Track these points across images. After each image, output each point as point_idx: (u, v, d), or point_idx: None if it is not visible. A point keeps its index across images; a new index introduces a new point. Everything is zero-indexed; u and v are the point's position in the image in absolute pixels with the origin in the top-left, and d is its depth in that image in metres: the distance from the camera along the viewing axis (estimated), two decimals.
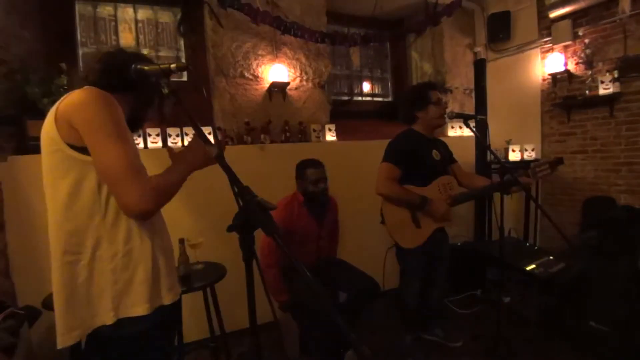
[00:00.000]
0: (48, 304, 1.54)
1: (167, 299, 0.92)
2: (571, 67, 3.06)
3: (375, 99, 3.85)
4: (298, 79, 2.87)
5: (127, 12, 2.65)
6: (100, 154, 0.79)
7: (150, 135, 2.28)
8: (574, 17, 2.96)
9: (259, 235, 0.72)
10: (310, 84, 2.93)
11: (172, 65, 0.79)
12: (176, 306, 0.99)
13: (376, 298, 2.06)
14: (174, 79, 0.85)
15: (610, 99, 2.79)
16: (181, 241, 1.82)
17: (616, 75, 2.73)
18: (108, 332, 0.85)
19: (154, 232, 0.92)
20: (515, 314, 2.43)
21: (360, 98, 3.74)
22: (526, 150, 3.24)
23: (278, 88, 2.76)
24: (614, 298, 1.97)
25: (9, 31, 2.02)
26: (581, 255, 2.37)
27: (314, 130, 2.80)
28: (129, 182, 0.79)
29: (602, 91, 2.79)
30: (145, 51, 2.70)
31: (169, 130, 2.32)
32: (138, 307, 0.86)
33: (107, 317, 0.84)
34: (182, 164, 0.93)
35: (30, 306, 1.79)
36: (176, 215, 2.23)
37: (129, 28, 2.65)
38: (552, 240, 3.19)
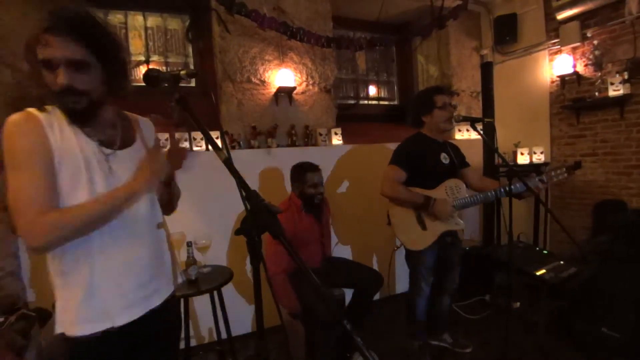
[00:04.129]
0: None
1: (117, 320, 0.87)
2: (580, 68, 3.03)
3: (381, 102, 3.85)
4: (304, 84, 2.89)
5: (137, 20, 2.71)
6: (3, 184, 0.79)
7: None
8: (582, 19, 2.93)
9: (266, 241, 0.72)
10: (316, 89, 2.95)
11: (182, 72, 0.81)
12: (143, 323, 0.92)
13: (380, 287, 2.12)
14: (182, 84, 0.86)
15: (620, 101, 2.76)
16: (189, 244, 1.83)
17: (626, 77, 2.69)
18: (63, 340, 0.86)
19: (102, 252, 0.85)
20: (525, 320, 2.39)
21: (366, 102, 3.75)
22: (535, 153, 3.21)
23: (284, 93, 2.78)
24: (626, 304, 1.92)
25: (22, 39, 2.07)
26: (592, 260, 2.32)
27: (320, 134, 2.82)
28: (17, 216, 0.76)
29: (611, 93, 2.76)
30: (154, 57, 2.75)
31: (178, 135, 2.36)
32: (71, 327, 0.84)
33: (56, 328, 0.86)
34: (125, 187, 0.83)
35: (41, 308, 1.82)
36: (184, 218, 2.25)
37: (138, 35, 2.70)
38: (562, 244, 3.14)
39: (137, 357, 0.93)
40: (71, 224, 0.77)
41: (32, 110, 0.83)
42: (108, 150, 0.88)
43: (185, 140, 2.36)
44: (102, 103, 0.88)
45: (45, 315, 1.80)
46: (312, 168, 2.08)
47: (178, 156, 0.99)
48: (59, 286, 0.86)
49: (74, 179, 0.82)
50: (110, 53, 0.83)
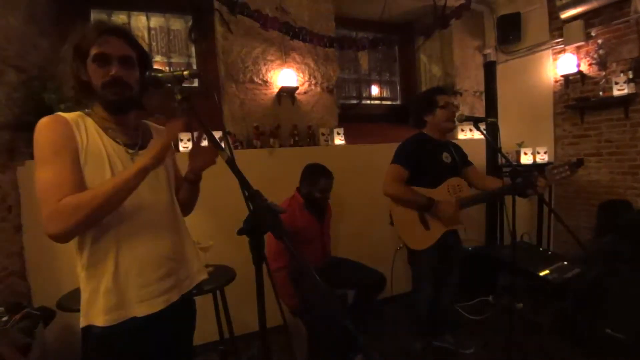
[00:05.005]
0: (62, 304, 1.57)
1: (139, 311, 0.91)
2: (584, 68, 3.01)
3: (384, 102, 3.85)
4: (307, 84, 2.89)
5: (140, 20, 2.72)
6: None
7: (182, 140, 2.37)
8: (586, 18, 2.91)
9: (268, 239, 0.72)
10: (318, 88, 2.95)
11: (185, 72, 0.81)
12: (164, 316, 0.95)
13: (383, 289, 2.11)
14: (185, 84, 0.87)
15: (624, 100, 2.73)
16: None
17: (631, 76, 2.67)
18: (85, 334, 0.91)
19: (125, 243, 0.91)
20: (528, 321, 2.38)
21: (368, 102, 3.75)
22: (538, 153, 3.19)
23: (287, 93, 2.78)
24: (630, 304, 1.91)
25: (27, 40, 2.09)
26: (596, 261, 2.31)
27: (323, 134, 2.82)
28: (41, 206, 0.81)
29: (616, 92, 2.74)
30: (157, 58, 2.76)
31: (180, 135, 2.37)
32: (98, 317, 0.88)
33: (81, 321, 0.91)
34: (135, 163, 0.87)
35: (45, 307, 1.83)
36: (187, 218, 2.26)
37: (141, 35, 2.71)
38: (566, 245, 3.12)
39: (156, 349, 0.97)
40: (88, 205, 0.80)
41: (60, 113, 0.91)
42: (131, 151, 0.96)
43: (189, 140, 2.38)
44: (135, 102, 0.97)
45: (50, 314, 1.81)
46: (327, 175, 2.09)
47: (209, 153, 1.02)
48: (85, 279, 0.91)
49: (97, 176, 0.88)
50: (146, 60, 0.99)
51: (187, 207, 1.16)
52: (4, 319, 1.61)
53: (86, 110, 0.96)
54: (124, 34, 0.92)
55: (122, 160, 0.93)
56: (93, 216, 0.82)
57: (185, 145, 2.38)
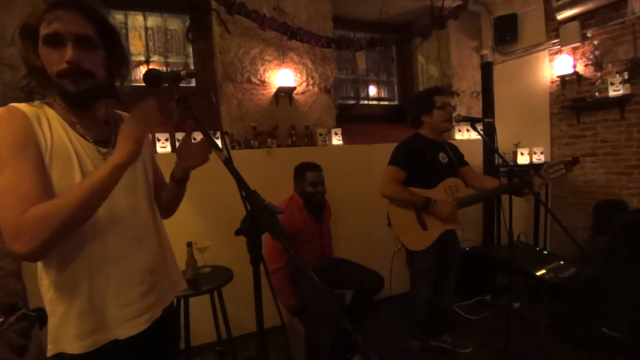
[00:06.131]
0: None
1: (122, 332, 0.81)
2: (580, 69, 3.03)
3: (382, 102, 3.85)
4: (304, 84, 2.89)
5: (137, 20, 2.71)
6: None
7: (159, 140, 2.32)
8: (582, 19, 2.93)
9: (265, 239, 0.72)
10: (316, 89, 2.95)
11: (182, 72, 0.80)
12: (146, 334, 0.85)
13: (381, 290, 2.11)
14: (182, 84, 0.85)
15: (620, 101, 2.76)
16: (189, 244, 1.83)
17: (626, 77, 2.70)
18: None
19: (100, 259, 0.79)
20: (526, 320, 2.39)
21: (366, 102, 3.75)
22: (535, 153, 3.21)
23: (285, 93, 2.78)
24: (627, 304, 1.92)
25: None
26: (593, 260, 2.32)
27: (320, 135, 2.82)
28: (1, 220, 0.67)
29: (612, 93, 2.76)
30: (154, 57, 2.75)
31: (177, 135, 2.36)
32: (71, 344, 0.77)
33: (49, 349, 0.79)
34: (107, 162, 0.72)
35: (41, 308, 1.81)
36: (184, 219, 2.25)
37: (138, 35, 2.70)
38: (562, 244, 3.14)
39: None
40: (58, 214, 0.66)
41: (15, 104, 0.76)
42: (104, 150, 0.83)
43: (166, 139, 2.33)
44: (102, 92, 0.83)
45: (46, 316, 1.80)
46: (312, 167, 2.11)
47: (202, 150, 0.92)
48: (52, 301, 0.78)
49: (65, 180, 0.75)
50: (113, 37, 0.82)
51: (169, 209, 1.03)
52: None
53: (45, 100, 0.81)
54: (79, 5, 0.74)
55: (94, 160, 0.80)
56: (66, 227, 0.68)
57: (162, 145, 2.30)
